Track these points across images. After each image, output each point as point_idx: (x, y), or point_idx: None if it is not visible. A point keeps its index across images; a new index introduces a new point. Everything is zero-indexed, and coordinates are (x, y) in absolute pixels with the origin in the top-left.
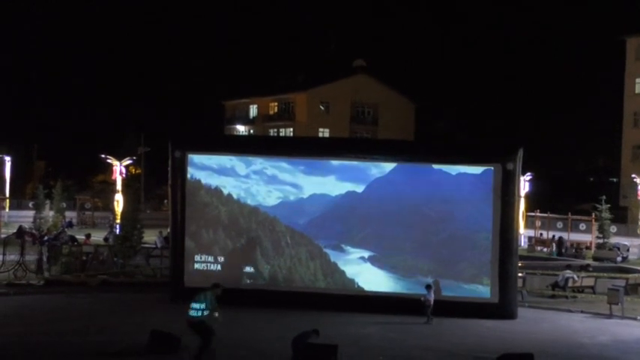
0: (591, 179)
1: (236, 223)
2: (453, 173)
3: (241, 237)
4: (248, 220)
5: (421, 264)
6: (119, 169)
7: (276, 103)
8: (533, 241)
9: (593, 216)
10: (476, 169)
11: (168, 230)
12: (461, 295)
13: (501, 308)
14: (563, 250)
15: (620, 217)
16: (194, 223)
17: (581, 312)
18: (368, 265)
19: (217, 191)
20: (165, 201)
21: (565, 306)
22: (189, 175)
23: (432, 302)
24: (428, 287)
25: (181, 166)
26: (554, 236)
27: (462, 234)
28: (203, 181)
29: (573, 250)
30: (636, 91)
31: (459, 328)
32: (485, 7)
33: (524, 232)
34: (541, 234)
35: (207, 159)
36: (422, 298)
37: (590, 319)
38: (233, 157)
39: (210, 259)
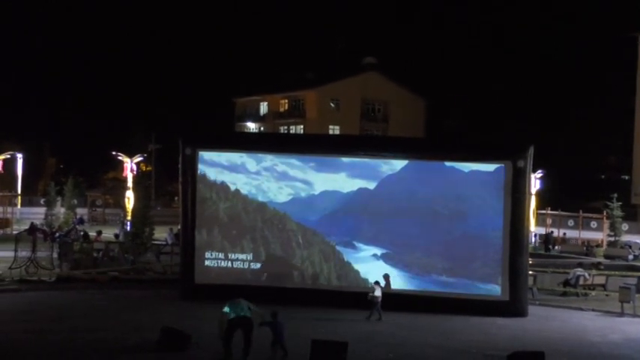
0: (602, 177)
1: (247, 220)
2: (466, 171)
3: (252, 234)
4: (256, 217)
5: (435, 262)
6: (130, 166)
7: (286, 101)
8: (543, 239)
9: (605, 214)
10: (488, 167)
11: (179, 227)
12: (471, 293)
13: (512, 306)
14: (550, 247)
15: (632, 214)
16: (204, 220)
17: (593, 310)
18: (381, 262)
19: (226, 188)
20: (176, 198)
21: (576, 304)
22: (199, 172)
23: (379, 299)
24: (376, 283)
25: (192, 163)
26: (546, 232)
27: (475, 232)
28: (213, 178)
29: (584, 248)
30: None
31: (469, 326)
32: (493, 4)
33: (534, 230)
34: (552, 232)
35: (217, 156)
36: (369, 295)
37: (602, 317)
38: (243, 154)
39: (221, 255)
